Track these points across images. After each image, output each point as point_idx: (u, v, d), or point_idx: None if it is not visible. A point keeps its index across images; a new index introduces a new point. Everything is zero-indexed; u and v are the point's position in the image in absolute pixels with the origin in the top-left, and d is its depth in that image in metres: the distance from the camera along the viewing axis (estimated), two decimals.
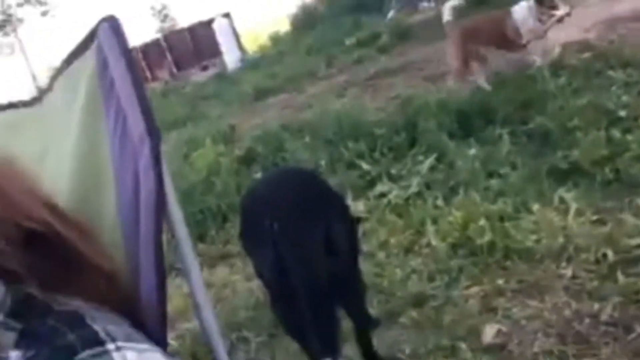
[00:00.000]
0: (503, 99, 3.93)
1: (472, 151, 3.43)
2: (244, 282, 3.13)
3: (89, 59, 0.88)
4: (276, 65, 9.94)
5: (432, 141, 3.67)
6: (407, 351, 2.08)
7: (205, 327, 0.88)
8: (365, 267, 2.38)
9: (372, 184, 3.64)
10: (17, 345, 0.65)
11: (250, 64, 11.90)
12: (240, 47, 13.71)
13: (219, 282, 3.23)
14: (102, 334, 0.65)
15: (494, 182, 3.02)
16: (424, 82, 5.40)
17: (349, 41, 9.42)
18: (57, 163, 0.95)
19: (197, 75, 13.68)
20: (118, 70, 0.85)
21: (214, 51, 13.73)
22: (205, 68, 14.44)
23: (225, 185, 4.08)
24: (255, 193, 2.04)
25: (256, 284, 3.04)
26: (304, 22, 13.60)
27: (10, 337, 0.65)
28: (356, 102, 5.40)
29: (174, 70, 15.23)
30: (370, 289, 2.32)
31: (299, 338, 1.98)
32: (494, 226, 2.56)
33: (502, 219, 2.64)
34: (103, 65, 0.86)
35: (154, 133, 0.83)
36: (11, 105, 1.07)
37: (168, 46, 15.47)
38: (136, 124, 0.84)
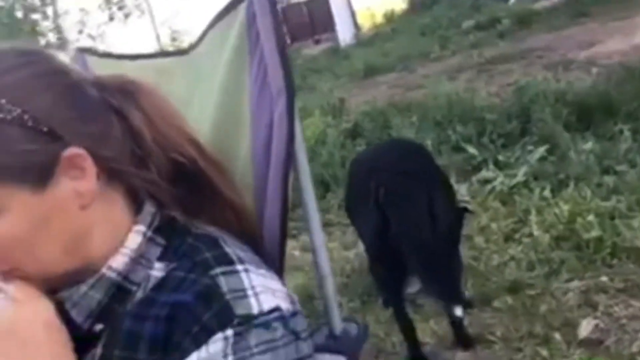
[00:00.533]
0: (628, 94, 3.73)
1: (588, 145, 3.30)
2: (341, 250, 3.23)
3: (240, 13, 0.96)
4: (389, 43, 9.90)
5: (545, 131, 3.56)
6: (498, 334, 2.09)
7: (320, 271, 0.96)
8: (462, 249, 2.39)
9: (477, 169, 3.60)
10: (160, 258, 0.75)
11: (363, 40, 11.91)
12: (355, 23, 13.73)
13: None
14: (232, 256, 0.73)
15: (609, 179, 2.90)
16: (543, 70, 5.20)
17: (466, 24, 9.20)
18: (200, 109, 1.05)
19: (310, 49, 13.89)
20: (264, 24, 0.93)
21: (328, 26, 13.86)
22: (318, 42, 14.62)
23: (330, 156, 4.18)
24: (364, 159, 2.12)
25: (352, 253, 3.14)
26: (421, 1, 13.40)
27: (156, 250, 0.75)
28: (469, 86, 5.30)
29: (288, 41, 15.55)
30: (465, 271, 2.34)
31: (394, 300, 2.04)
32: (604, 223, 2.47)
33: (613, 217, 2.55)
34: (252, 19, 0.94)
35: (290, 88, 0.91)
36: (162, 54, 1.19)
37: (284, 18, 15.80)
38: (275, 77, 0.92)
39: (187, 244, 0.75)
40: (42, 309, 0.69)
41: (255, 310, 0.68)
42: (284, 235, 0.91)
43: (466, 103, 4.38)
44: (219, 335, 0.66)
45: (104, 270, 0.71)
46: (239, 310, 0.67)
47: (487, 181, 3.40)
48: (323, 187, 3.95)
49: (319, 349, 0.90)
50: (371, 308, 2.46)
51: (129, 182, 0.75)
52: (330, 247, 3.43)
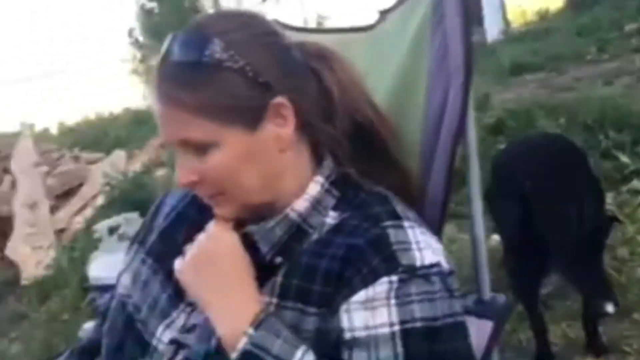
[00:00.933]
0: None
1: None
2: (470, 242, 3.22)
3: None
4: (540, 42, 9.46)
5: None
6: (635, 346, 2.01)
7: (475, 237, 1.01)
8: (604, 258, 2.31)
9: (627, 178, 3.40)
10: (334, 208, 0.85)
11: (512, 37, 11.47)
12: (505, 19, 13.25)
13: (446, 238, 3.35)
14: (401, 213, 0.82)
15: None
16: None
17: (629, 27, 8.56)
18: (378, 80, 1.14)
19: None
20: (450, 7, 0.99)
21: (477, 20, 13.50)
22: None
23: None
24: (512, 151, 2.10)
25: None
26: (580, 1, 12.64)
27: (331, 201, 0.85)
28: (626, 92, 4.98)
29: None
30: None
31: (528, 295, 2.03)
32: None
33: None
34: (437, 2, 1.01)
35: (469, 68, 0.96)
36: (344, 30, 1.28)
37: None
38: (455, 56, 0.98)
39: (360, 198, 0.85)
40: (230, 242, 0.82)
41: (418, 262, 0.76)
42: (445, 203, 0.98)
43: (623, 109, 4.12)
44: (385, 279, 0.74)
45: (287, 210, 0.82)
46: (404, 260, 0.75)
47: (637, 192, 3.21)
48: (459, 179, 3.93)
49: (467, 312, 0.95)
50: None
51: (316, 137, 0.85)
52: (459, 238, 3.44)
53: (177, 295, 0.87)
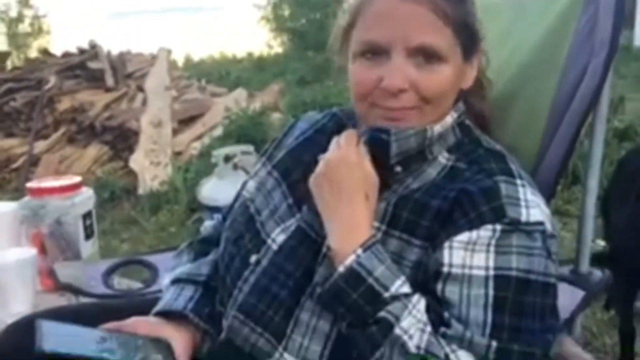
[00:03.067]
0: None
1: None
2: (573, 241, 3.13)
3: None
4: None
5: None
6: None
7: (584, 211, 1.03)
8: None
9: None
10: (450, 150, 0.90)
11: None
12: None
13: None
14: (514, 171, 0.85)
15: None
16: None
17: None
18: (518, 43, 1.14)
19: None
20: None
21: (628, 20, 12.56)
22: None
23: None
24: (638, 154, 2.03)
25: None
26: None
27: (451, 139, 0.91)
28: None
29: None
30: None
31: (623, 301, 1.98)
32: None
33: None
34: None
35: (615, 43, 0.96)
36: None
37: None
38: (603, 30, 0.98)
39: (477, 152, 0.89)
40: (358, 157, 0.87)
41: (523, 218, 0.79)
42: (560, 174, 1.00)
43: None
44: (489, 226, 0.79)
45: (427, 127, 0.88)
46: (511, 213, 0.79)
47: None
48: (572, 177, 3.79)
49: (562, 279, 0.98)
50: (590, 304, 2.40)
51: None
52: (563, 236, 3.35)
53: (296, 205, 0.95)
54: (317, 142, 1.00)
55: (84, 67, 5.33)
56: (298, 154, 1.02)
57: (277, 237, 0.94)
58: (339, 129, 0.98)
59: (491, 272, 0.77)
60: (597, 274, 1.02)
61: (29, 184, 1.62)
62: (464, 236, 0.79)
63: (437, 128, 0.89)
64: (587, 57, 0.99)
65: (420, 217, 0.84)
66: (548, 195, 1.00)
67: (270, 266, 0.91)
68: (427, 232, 0.83)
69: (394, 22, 0.83)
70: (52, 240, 1.52)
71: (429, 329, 0.77)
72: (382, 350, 0.77)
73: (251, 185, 1.05)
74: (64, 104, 4.99)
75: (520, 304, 0.77)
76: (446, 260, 0.79)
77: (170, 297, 1.00)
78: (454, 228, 0.80)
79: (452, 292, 0.78)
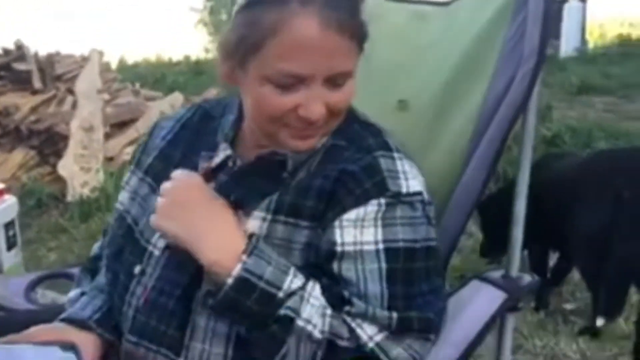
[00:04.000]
0: None
1: None
2: None
3: None
4: (615, 66, 9.20)
5: None
6: None
7: (514, 218, 1.03)
8: None
9: None
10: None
11: (587, 56, 11.15)
12: (583, 36, 12.86)
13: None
14: (392, 145, 0.89)
15: None
16: None
17: None
18: (444, 57, 1.17)
19: None
20: None
21: (554, 32, 13.14)
22: None
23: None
24: (607, 157, 2.13)
25: None
26: None
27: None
28: None
29: None
30: None
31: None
32: None
33: None
34: None
35: (542, 53, 0.99)
36: (423, 1, 1.31)
37: None
38: (532, 39, 1.00)
39: (353, 129, 0.92)
40: (198, 184, 0.88)
41: (404, 189, 0.84)
42: (489, 176, 1.02)
43: None
44: (375, 201, 0.83)
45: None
46: (392, 187, 0.84)
47: None
48: (503, 181, 3.91)
49: (488, 281, 1.00)
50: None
51: None
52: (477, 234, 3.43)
53: None
54: (184, 138, 1.00)
55: (9, 69, 5.08)
56: (167, 154, 1.00)
57: (157, 241, 0.92)
58: (205, 122, 1.00)
59: (380, 246, 0.82)
60: (526, 277, 1.04)
61: None
62: (351, 214, 0.83)
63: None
64: (515, 66, 1.02)
65: (304, 198, 0.85)
66: (476, 196, 1.01)
67: (155, 279, 0.90)
68: (312, 212, 0.85)
69: (315, 53, 0.80)
70: None
71: (329, 311, 0.80)
72: (287, 345, 0.78)
73: (124, 196, 1.03)
74: None
75: (409, 272, 0.82)
76: (338, 239, 0.82)
77: (79, 305, 0.99)
78: (340, 206, 0.83)
79: (348, 269, 0.82)
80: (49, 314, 1.02)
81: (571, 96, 7.26)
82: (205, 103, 1.05)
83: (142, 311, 0.89)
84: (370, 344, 0.79)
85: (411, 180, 0.86)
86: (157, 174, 0.98)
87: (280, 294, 0.79)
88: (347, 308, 0.80)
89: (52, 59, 5.28)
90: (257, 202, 0.87)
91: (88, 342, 0.92)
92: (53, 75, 5.15)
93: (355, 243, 0.82)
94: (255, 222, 0.86)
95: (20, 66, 5.05)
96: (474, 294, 0.98)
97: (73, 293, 1.08)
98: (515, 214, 1.06)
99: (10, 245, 1.55)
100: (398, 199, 0.83)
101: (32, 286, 1.37)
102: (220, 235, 0.82)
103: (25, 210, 3.62)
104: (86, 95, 4.84)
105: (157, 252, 0.92)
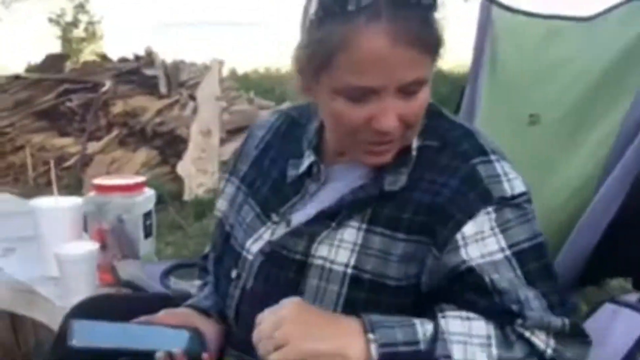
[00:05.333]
0: None
1: None
2: None
3: None
4: None
5: None
6: None
7: None
8: None
9: None
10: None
11: None
12: None
13: None
14: (487, 148, 0.87)
15: None
16: None
17: None
18: (582, 68, 1.15)
19: None
20: None
21: None
22: None
23: None
24: None
25: None
26: None
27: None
28: None
29: None
30: None
31: None
32: None
33: None
34: None
35: None
36: (560, 17, 1.30)
37: None
38: None
39: (443, 128, 0.90)
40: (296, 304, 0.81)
41: (509, 192, 0.83)
42: (627, 196, 0.98)
43: None
44: (483, 211, 0.81)
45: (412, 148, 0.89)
46: (496, 192, 0.82)
47: None
48: None
49: (624, 305, 0.97)
50: None
51: None
52: None
53: (263, 211, 0.97)
54: (273, 145, 1.02)
55: (138, 73, 5.48)
56: (260, 163, 1.02)
57: (251, 247, 0.94)
58: (292, 129, 1.01)
59: (508, 252, 0.81)
60: None
61: (95, 180, 1.67)
62: (467, 229, 0.82)
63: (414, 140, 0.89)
64: None
65: (401, 211, 0.85)
66: (609, 216, 0.99)
67: (252, 295, 0.92)
68: (409, 224, 0.85)
69: (385, 67, 0.78)
70: (113, 237, 1.56)
71: (475, 340, 0.78)
72: None
73: (222, 204, 1.06)
74: (118, 107, 5.14)
75: (543, 267, 0.83)
76: (464, 257, 0.81)
77: (203, 295, 1.05)
78: (452, 222, 0.82)
79: (500, 280, 0.80)
80: (180, 299, 1.11)
81: None
82: (292, 110, 1.06)
83: (242, 324, 0.92)
84: (549, 351, 0.78)
85: (514, 181, 0.84)
86: (250, 183, 1.02)
87: (422, 347, 0.77)
88: (519, 321, 0.79)
89: (177, 66, 5.64)
90: (351, 212, 0.87)
91: (210, 329, 0.97)
92: (177, 81, 5.50)
93: (483, 256, 0.81)
94: (351, 231, 0.86)
95: (148, 72, 5.43)
96: (612, 320, 0.94)
97: (198, 281, 1.15)
98: None
99: (147, 234, 1.68)
100: (505, 203, 0.82)
101: (167, 273, 1.48)
102: (338, 337, 0.78)
103: None
104: (206, 101, 5.12)
105: (250, 257, 0.94)
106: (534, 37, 1.32)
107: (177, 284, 1.50)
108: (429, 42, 0.81)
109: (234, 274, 0.96)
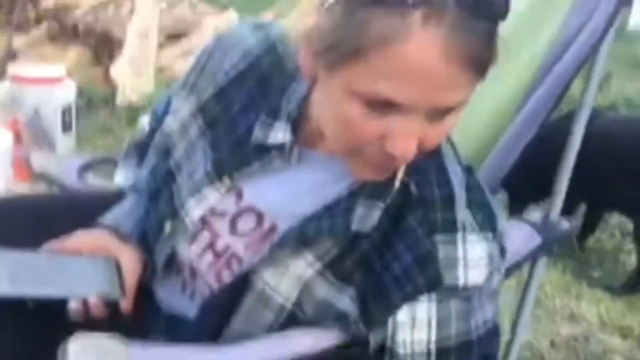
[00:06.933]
0: None
1: None
2: None
3: None
4: None
5: None
6: None
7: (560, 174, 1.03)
8: None
9: None
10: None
11: None
12: None
13: None
14: (458, 222, 0.77)
15: None
16: None
17: None
18: None
19: None
20: None
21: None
22: None
23: None
24: None
25: None
26: None
27: None
28: None
29: None
30: None
31: None
32: None
33: None
34: None
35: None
36: None
37: None
38: None
39: (431, 177, 0.78)
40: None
41: (461, 281, 0.75)
42: (541, 126, 0.98)
43: None
44: (425, 297, 0.75)
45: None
46: (448, 279, 0.75)
47: None
48: None
49: (526, 222, 1.01)
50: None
51: None
52: None
53: (215, 170, 0.84)
54: (247, 83, 0.85)
55: None
56: (227, 98, 0.86)
57: (192, 209, 0.85)
58: (275, 74, 0.84)
59: (432, 346, 0.76)
60: (564, 224, 1.05)
61: (12, 70, 1.57)
62: (402, 314, 0.76)
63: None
64: (593, 6, 0.98)
65: (355, 265, 0.78)
66: (525, 140, 1.00)
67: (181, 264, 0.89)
68: (359, 285, 0.79)
69: (432, 86, 0.63)
70: (29, 130, 1.49)
71: None
72: None
73: (174, 124, 0.91)
74: (48, 1, 4.81)
75: None
76: (389, 335, 0.77)
77: (124, 211, 0.95)
78: (388, 301, 0.77)
79: None
80: (98, 198, 1.06)
81: (633, 69, 6.98)
82: (283, 45, 0.86)
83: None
84: None
85: (471, 270, 0.75)
86: (210, 119, 0.87)
87: None
88: None
89: None
90: (307, 242, 0.78)
91: (129, 259, 0.89)
92: None
93: (405, 345, 0.76)
94: (300, 264, 0.79)
95: None
96: (510, 231, 0.98)
97: (121, 177, 1.08)
98: (566, 160, 1.06)
99: (66, 129, 1.61)
100: (452, 293, 0.75)
101: (85, 168, 1.43)
102: None
103: (76, 108, 3.72)
104: (145, 2, 4.86)
105: (188, 221, 0.86)
106: None
107: (96, 181, 1.45)
108: (487, 63, 0.65)
109: (167, 227, 0.87)
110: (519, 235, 1.01)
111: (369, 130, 0.67)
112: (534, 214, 1.05)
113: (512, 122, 1.01)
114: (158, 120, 0.99)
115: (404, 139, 0.66)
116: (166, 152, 0.92)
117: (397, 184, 0.77)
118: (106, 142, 3.67)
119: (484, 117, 1.05)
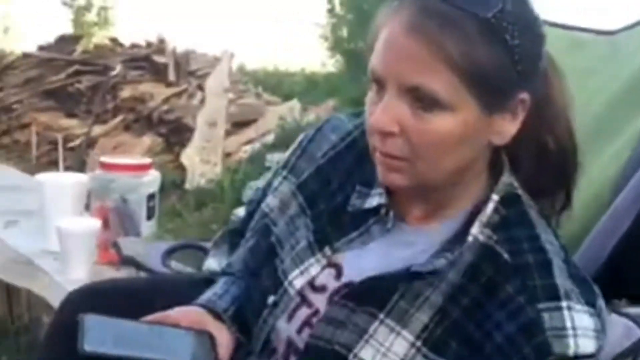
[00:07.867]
0: None
1: None
2: None
3: None
4: None
5: None
6: None
7: None
8: None
9: None
10: (486, 225, 0.78)
11: None
12: None
13: None
14: (560, 289, 0.74)
15: None
16: None
17: None
18: (604, 82, 1.14)
19: None
20: None
21: None
22: None
23: None
24: None
25: None
26: None
27: (495, 217, 0.79)
28: None
29: None
30: None
31: None
32: None
33: None
34: None
35: None
36: (584, 29, 1.29)
37: None
38: None
39: (521, 238, 0.77)
40: None
41: (571, 351, 0.71)
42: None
43: None
44: None
45: (469, 237, 0.77)
46: (557, 348, 0.71)
47: None
48: None
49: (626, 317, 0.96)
50: None
51: (512, 148, 0.79)
52: None
53: (317, 241, 0.85)
54: (345, 161, 0.88)
55: (148, 60, 5.49)
56: (326, 175, 0.89)
57: (295, 280, 0.85)
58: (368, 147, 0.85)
59: None
60: None
61: (102, 158, 1.67)
62: None
63: (476, 229, 0.78)
64: None
65: (450, 336, 0.75)
66: (625, 228, 0.97)
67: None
68: (455, 355, 0.76)
69: (392, 54, 0.73)
70: (116, 216, 1.56)
71: None
72: None
73: (274, 203, 0.93)
74: (126, 92, 5.15)
75: None
76: None
77: (218, 290, 0.96)
78: None
79: None
80: (186, 284, 1.08)
81: None
82: None
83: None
84: None
85: (582, 339, 0.72)
86: (309, 196, 0.89)
87: None
88: None
89: (187, 55, 5.64)
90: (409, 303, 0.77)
91: (222, 336, 0.89)
92: (187, 70, 5.51)
93: None
94: (402, 343, 0.76)
95: (159, 59, 5.44)
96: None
97: (214, 263, 1.11)
98: None
99: (150, 215, 1.67)
100: None
101: (169, 253, 1.47)
102: None
103: None
104: (214, 92, 5.12)
105: (291, 291, 0.85)
106: (558, 48, 1.30)
107: (177, 267, 1.49)
108: (453, 54, 0.70)
109: (271, 299, 0.87)
110: (615, 329, 0.95)
111: (371, 113, 0.76)
112: (635, 308, 0.99)
113: (600, 214, 0.99)
114: (256, 203, 1.02)
115: (380, 111, 0.73)
116: (265, 231, 0.94)
117: (469, 239, 0.77)
118: (175, 226, 3.78)
119: (591, 180, 0.99)
